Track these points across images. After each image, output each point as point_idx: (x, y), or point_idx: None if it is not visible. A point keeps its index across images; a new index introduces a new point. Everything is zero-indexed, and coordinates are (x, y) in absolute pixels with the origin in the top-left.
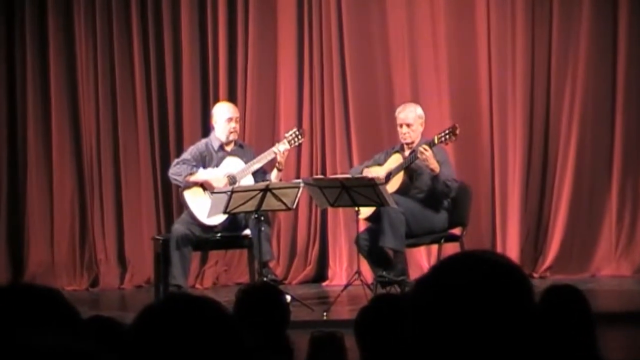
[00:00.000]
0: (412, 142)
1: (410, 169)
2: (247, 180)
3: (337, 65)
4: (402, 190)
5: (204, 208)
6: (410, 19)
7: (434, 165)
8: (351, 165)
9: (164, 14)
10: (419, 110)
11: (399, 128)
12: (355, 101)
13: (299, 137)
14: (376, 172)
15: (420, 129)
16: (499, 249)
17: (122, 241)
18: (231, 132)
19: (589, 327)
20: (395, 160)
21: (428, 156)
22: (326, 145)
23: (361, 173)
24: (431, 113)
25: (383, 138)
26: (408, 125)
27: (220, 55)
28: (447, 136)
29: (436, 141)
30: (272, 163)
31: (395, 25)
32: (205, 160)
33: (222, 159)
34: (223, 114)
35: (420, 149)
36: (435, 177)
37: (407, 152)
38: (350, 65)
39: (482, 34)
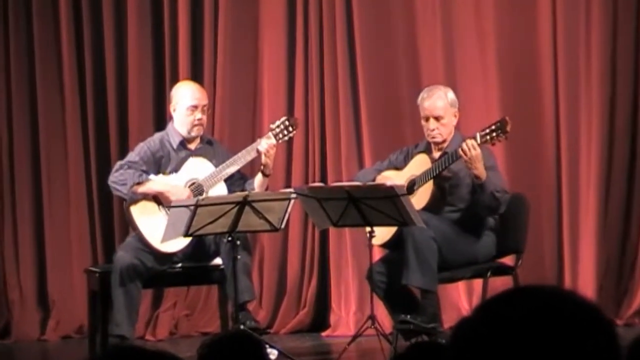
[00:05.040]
0: (444, 141)
1: (442, 177)
2: (219, 190)
3: (342, 34)
4: (432, 207)
5: (158, 229)
6: None
7: (480, 169)
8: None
9: None
10: (450, 95)
11: (423, 122)
12: (368, 83)
13: (290, 128)
14: (394, 178)
15: (454, 121)
16: (567, 285)
17: (43, 275)
18: (195, 125)
19: None
20: (420, 163)
21: (474, 156)
22: (327, 142)
23: (374, 180)
24: (473, 102)
25: (405, 134)
26: (437, 119)
27: (179, 20)
28: (494, 134)
29: (479, 140)
30: (254, 166)
31: None
32: (160, 163)
33: (183, 160)
34: (185, 100)
35: (468, 143)
36: (480, 186)
37: (436, 154)
38: (360, 33)
39: None
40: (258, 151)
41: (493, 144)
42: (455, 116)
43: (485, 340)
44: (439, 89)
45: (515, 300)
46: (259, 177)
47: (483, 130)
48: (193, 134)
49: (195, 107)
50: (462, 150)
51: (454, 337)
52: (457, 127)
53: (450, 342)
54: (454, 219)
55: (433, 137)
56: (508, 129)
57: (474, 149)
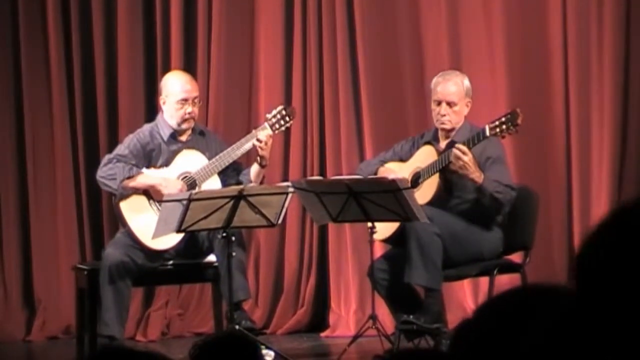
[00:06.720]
0: (452, 129)
1: (448, 170)
2: (212, 184)
3: (342, 19)
4: (437, 201)
5: (148, 225)
6: None
7: (476, 174)
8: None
9: None
10: (466, 83)
11: (434, 106)
12: (369, 71)
13: (286, 118)
14: (397, 171)
15: (466, 110)
16: None
17: (28, 273)
18: (185, 119)
19: None
20: (425, 155)
21: (466, 162)
22: (326, 133)
23: (376, 173)
24: (480, 91)
25: (408, 124)
26: (450, 104)
27: (172, 5)
28: (505, 126)
29: (488, 133)
30: (249, 157)
31: None
32: (150, 156)
33: (174, 153)
34: (175, 92)
35: (456, 151)
36: (479, 189)
37: (443, 144)
38: (361, 19)
39: None
40: (254, 141)
41: (503, 137)
42: (467, 106)
43: (487, 343)
44: (455, 74)
45: (521, 300)
46: (254, 168)
47: (492, 122)
48: (184, 127)
49: (185, 100)
50: (454, 156)
51: (455, 339)
52: (465, 117)
53: (451, 345)
54: (461, 211)
55: (442, 123)
56: (519, 121)
57: (465, 154)
